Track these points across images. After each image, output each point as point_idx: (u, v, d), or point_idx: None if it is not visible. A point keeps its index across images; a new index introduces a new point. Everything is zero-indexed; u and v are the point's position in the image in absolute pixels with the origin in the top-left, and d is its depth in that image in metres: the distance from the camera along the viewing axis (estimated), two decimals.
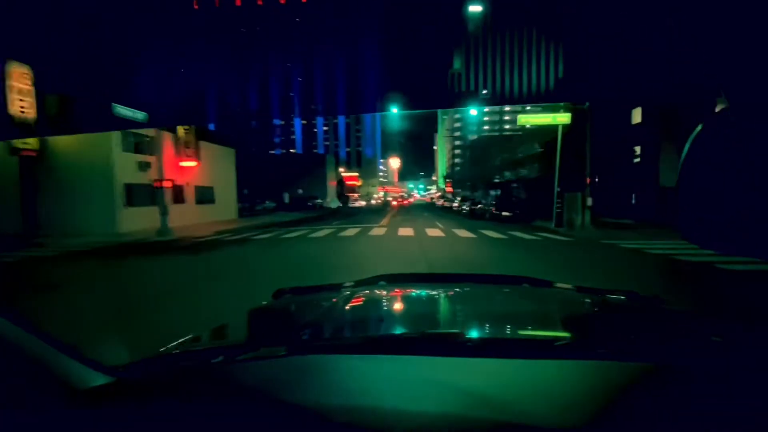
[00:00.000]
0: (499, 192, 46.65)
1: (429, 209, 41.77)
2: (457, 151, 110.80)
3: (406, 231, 14.46)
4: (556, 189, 17.13)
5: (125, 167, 16.56)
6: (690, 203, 0.61)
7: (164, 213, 15.46)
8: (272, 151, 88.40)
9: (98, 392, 0.67)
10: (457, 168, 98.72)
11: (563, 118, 16.07)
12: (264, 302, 1.46)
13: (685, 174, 0.61)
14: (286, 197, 40.83)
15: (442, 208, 44.85)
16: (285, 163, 53.61)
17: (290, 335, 1.06)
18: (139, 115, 14.25)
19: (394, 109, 16.49)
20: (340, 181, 71.43)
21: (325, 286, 1.64)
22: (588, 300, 1.50)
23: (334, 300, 1.38)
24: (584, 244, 11.48)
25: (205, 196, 22.76)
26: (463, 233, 13.73)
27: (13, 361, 0.63)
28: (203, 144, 22.03)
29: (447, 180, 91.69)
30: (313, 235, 13.62)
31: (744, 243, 0.56)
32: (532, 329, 1.18)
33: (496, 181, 48.27)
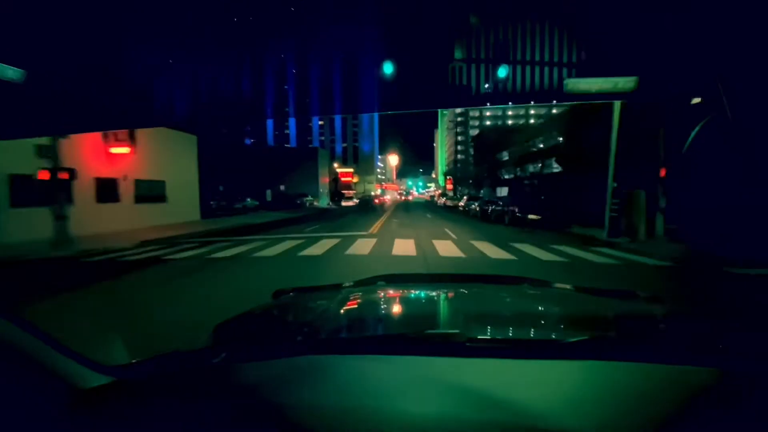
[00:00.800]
0: (507, 189, 42.10)
1: (430, 209, 36.96)
2: (460, 147, 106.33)
3: (404, 245, 9.81)
4: (611, 185, 12.54)
5: (12, 151, 11.86)
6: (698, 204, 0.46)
7: (61, 216, 10.80)
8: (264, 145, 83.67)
9: (98, 392, 0.68)
10: (459, 165, 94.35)
11: (627, 82, 11.44)
12: (263, 303, 1.41)
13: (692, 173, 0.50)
14: (269, 195, 36.13)
15: (445, 207, 40.07)
16: (272, 156, 48.81)
17: (290, 335, 1.06)
18: (10, 72, 9.55)
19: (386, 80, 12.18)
20: (335, 178, 66.88)
21: (325, 286, 1.64)
22: (588, 300, 1.47)
23: (334, 300, 1.37)
24: (705, 273, 6.90)
25: (151, 192, 18.07)
26: (489, 249, 9.11)
27: (14, 362, 0.63)
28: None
29: (447, 177, 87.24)
30: (263, 252, 8.98)
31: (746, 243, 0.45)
32: (532, 329, 1.17)
33: (506, 177, 43.62)
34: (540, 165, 35.49)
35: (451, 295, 1.51)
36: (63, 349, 0.68)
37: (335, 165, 70.97)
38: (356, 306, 1.37)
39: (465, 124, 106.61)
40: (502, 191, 42.21)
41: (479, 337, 0.96)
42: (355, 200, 49.44)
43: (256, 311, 1.31)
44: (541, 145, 37.16)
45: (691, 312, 1.62)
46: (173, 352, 0.87)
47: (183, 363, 0.83)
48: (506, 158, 44.21)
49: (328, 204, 38.04)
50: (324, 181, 58.56)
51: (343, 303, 1.36)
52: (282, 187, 36.39)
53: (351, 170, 71.59)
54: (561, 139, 30.64)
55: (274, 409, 0.63)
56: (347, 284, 1.62)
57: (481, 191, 46.01)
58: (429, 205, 46.30)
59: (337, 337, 1.07)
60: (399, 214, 26.63)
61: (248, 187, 39.48)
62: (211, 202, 36.35)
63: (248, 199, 35.79)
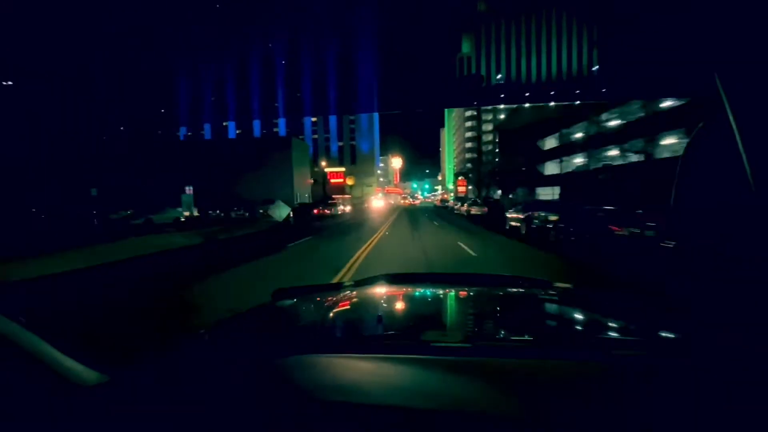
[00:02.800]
0: (559, 190, 29.16)
1: (449, 221, 23.59)
2: (472, 145, 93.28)
3: None
4: None
5: None
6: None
7: None
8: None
9: (97, 391, 0.68)
10: (468, 164, 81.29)
11: None
12: (262, 302, 1.40)
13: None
14: (184, 202, 23.14)
15: (469, 217, 26.62)
16: (224, 149, 36.05)
17: (289, 335, 1.05)
18: None
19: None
20: (324, 180, 54.09)
21: (325, 285, 1.65)
22: (588, 300, 1.47)
23: (334, 300, 1.38)
24: None
25: None
26: None
27: (14, 360, 0.64)
28: None
29: (459, 177, 74.20)
30: None
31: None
32: (534, 329, 1.15)
33: (552, 173, 30.67)
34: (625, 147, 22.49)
35: (450, 294, 1.51)
36: (63, 348, 0.68)
37: (323, 164, 58.16)
38: (356, 305, 1.36)
39: (478, 117, 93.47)
40: (554, 192, 29.31)
41: (479, 336, 0.97)
42: (345, 207, 36.42)
43: (255, 310, 1.30)
44: (616, 121, 24.04)
45: (694, 311, 1.47)
46: (171, 352, 0.87)
47: (180, 361, 0.82)
48: (555, 145, 31.18)
49: (289, 216, 24.86)
50: (306, 182, 45.73)
51: (344, 302, 1.35)
52: (188, 189, 23.24)
53: (343, 170, 58.77)
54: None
55: (272, 408, 0.62)
56: (347, 283, 1.61)
57: (517, 191, 32.96)
58: (442, 215, 32.79)
59: (336, 336, 1.06)
60: (396, 239, 13.39)
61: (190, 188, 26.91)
62: (112, 215, 23.68)
63: (166, 209, 22.87)
